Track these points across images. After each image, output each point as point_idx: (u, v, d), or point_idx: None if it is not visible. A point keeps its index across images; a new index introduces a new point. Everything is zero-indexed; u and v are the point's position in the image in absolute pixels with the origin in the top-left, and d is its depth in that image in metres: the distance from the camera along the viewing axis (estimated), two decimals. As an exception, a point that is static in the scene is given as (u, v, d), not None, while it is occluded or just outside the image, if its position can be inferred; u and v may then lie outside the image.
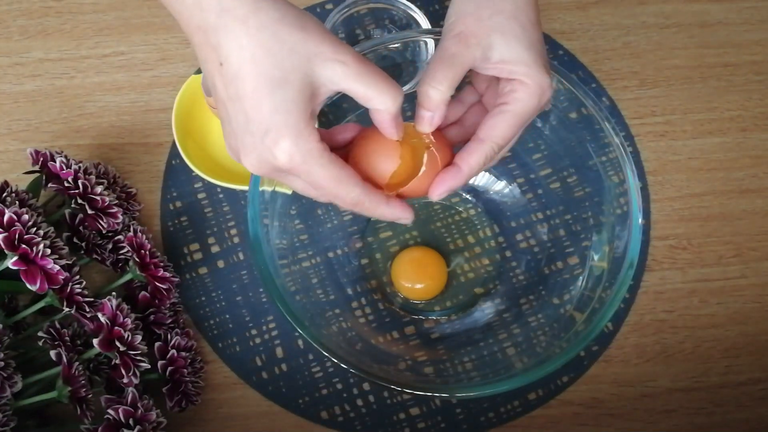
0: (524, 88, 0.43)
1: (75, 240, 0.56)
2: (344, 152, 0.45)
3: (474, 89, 0.49)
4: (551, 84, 0.44)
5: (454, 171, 0.44)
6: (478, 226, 0.62)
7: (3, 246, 0.48)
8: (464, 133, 0.47)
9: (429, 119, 0.43)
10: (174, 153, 0.64)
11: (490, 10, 0.42)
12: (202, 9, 0.36)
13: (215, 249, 0.62)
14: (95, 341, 0.49)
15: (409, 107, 0.61)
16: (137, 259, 0.55)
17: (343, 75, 0.37)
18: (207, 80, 0.40)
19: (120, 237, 0.57)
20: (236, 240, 0.62)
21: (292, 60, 0.36)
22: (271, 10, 0.36)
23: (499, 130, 0.43)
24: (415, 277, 0.60)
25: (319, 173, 0.39)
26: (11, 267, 0.48)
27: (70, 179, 0.54)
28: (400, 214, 0.43)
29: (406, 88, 0.60)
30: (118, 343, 0.49)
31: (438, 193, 0.44)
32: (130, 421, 0.49)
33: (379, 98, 0.39)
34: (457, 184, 0.44)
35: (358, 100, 0.39)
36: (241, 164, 0.41)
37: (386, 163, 0.43)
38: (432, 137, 0.44)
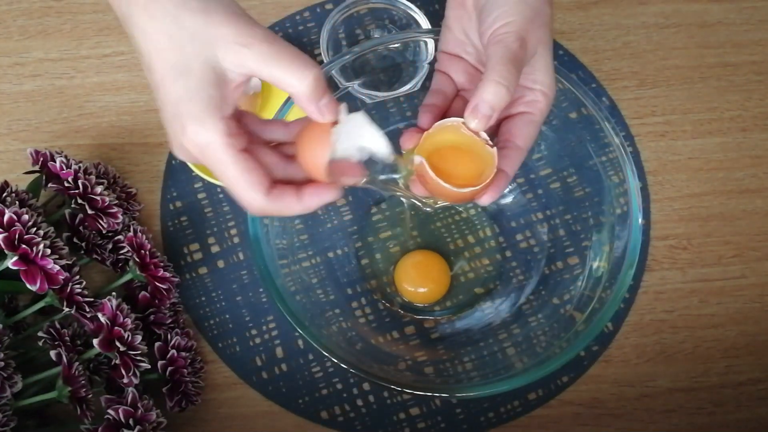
0: (545, 99, 0.45)
1: (75, 240, 0.56)
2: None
3: (447, 78, 0.49)
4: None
5: (504, 177, 0.45)
6: (478, 226, 0.62)
7: (3, 246, 0.48)
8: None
9: (487, 118, 0.42)
10: (174, 153, 0.64)
11: (540, 21, 0.43)
12: (121, 3, 0.36)
13: (215, 249, 0.62)
14: (95, 341, 0.49)
15: (408, 107, 0.61)
16: (137, 259, 0.55)
17: (246, 58, 0.36)
18: None
19: (120, 237, 0.57)
20: (236, 240, 0.62)
21: (193, 46, 0.35)
22: None
23: (531, 138, 0.46)
24: (419, 281, 0.60)
25: (221, 169, 0.38)
26: (11, 267, 0.48)
27: (70, 179, 0.54)
28: (318, 201, 0.40)
29: (406, 88, 0.60)
30: (118, 343, 0.49)
31: (493, 198, 0.45)
32: (130, 422, 0.49)
33: (287, 79, 0.37)
34: (505, 189, 0.47)
35: (271, 83, 0.38)
36: None
37: (319, 150, 0.40)
38: (483, 137, 0.43)
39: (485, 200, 0.45)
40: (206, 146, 0.37)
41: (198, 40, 0.35)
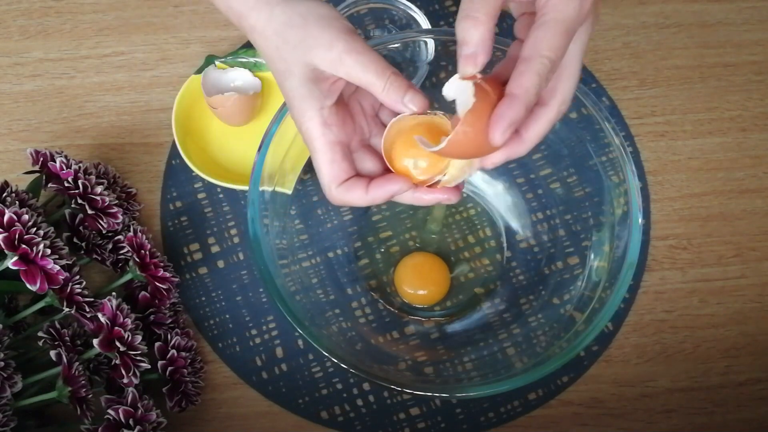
0: None
1: (75, 240, 0.56)
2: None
3: (522, 42, 0.43)
4: None
5: (508, 101, 0.38)
6: (478, 226, 0.62)
7: (3, 246, 0.48)
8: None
9: (472, 57, 0.39)
10: (174, 153, 0.64)
11: None
12: (239, 18, 0.44)
13: (215, 249, 0.62)
14: (95, 341, 0.49)
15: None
16: (137, 259, 0.55)
17: (337, 65, 0.41)
18: None
19: (120, 237, 0.57)
20: (236, 240, 0.62)
21: (295, 54, 0.42)
22: (280, 15, 0.42)
23: (544, 41, 0.38)
24: (419, 283, 0.60)
25: (312, 153, 0.43)
26: (11, 267, 0.48)
27: (70, 179, 0.54)
28: (383, 193, 0.43)
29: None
30: (118, 344, 0.49)
31: (501, 129, 0.38)
32: (130, 422, 0.49)
33: (370, 81, 0.41)
34: (517, 115, 0.38)
35: (358, 85, 0.42)
36: None
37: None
38: (485, 83, 0.39)
39: (493, 136, 0.38)
40: (306, 132, 0.43)
41: (298, 49, 0.42)
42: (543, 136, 0.42)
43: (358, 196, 0.43)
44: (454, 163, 0.43)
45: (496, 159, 0.43)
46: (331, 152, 0.42)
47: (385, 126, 0.45)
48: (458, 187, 0.44)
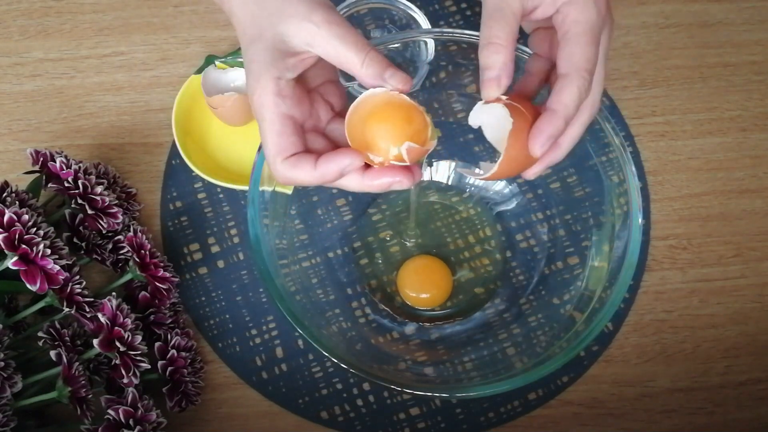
0: (574, 6, 0.40)
1: (75, 240, 0.56)
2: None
3: (539, 56, 0.46)
4: None
5: (548, 116, 0.39)
6: (478, 226, 0.62)
7: (3, 246, 0.48)
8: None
9: (496, 80, 0.40)
10: (174, 153, 0.64)
11: None
12: None
13: (215, 249, 0.62)
14: (95, 341, 0.49)
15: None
16: (137, 259, 0.55)
17: (313, 35, 0.40)
18: None
19: (120, 237, 0.57)
20: (236, 240, 0.62)
21: (270, 20, 0.41)
22: None
23: (577, 55, 0.40)
24: (421, 286, 0.60)
25: (259, 122, 0.41)
26: (11, 267, 0.48)
27: (70, 179, 0.54)
28: (335, 167, 0.40)
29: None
30: (118, 344, 0.49)
31: (540, 143, 0.40)
32: (131, 422, 0.49)
33: (348, 56, 0.40)
34: (557, 129, 0.40)
35: (333, 61, 0.41)
36: None
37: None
38: (515, 102, 0.40)
39: (533, 149, 0.40)
40: (257, 99, 0.41)
41: (274, 16, 0.41)
42: (577, 140, 0.42)
43: (305, 172, 0.40)
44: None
45: (536, 170, 0.44)
46: (281, 124, 0.41)
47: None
48: (410, 168, 0.41)
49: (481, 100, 0.42)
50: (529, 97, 0.45)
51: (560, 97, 0.40)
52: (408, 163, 0.41)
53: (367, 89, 0.41)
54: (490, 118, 0.42)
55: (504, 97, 0.41)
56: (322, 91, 0.44)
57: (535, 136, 0.40)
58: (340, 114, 0.44)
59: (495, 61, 0.40)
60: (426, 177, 0.63)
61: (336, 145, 0.43)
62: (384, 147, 0.40)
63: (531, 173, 0.44)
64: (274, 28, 0.40)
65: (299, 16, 0.40)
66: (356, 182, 0.41)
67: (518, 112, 0.40)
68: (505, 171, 0.42)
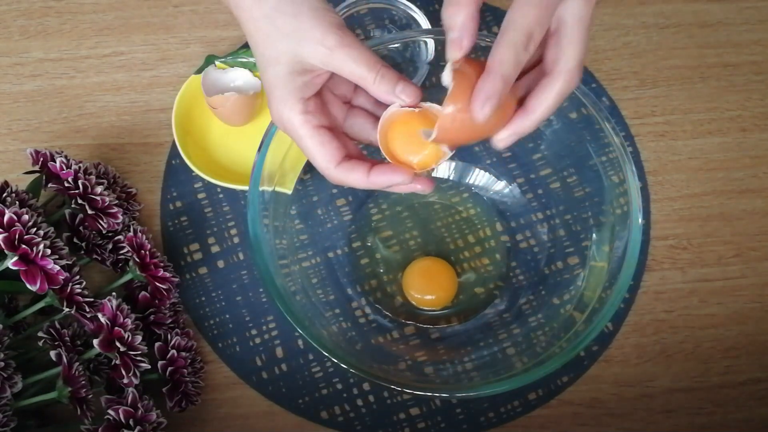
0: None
1: (75, 240, 0.56)
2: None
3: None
4: None
5: (484, 75, 0.39)
6: (478, 226, 0.62)
7: (3, 246, 0.48)
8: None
9: (458, 41, 0.40)
10: (174, 153, 0.64)
11: None
12: (231, 6, 0.44)
13: (215, 249, 0.62)
14: (95, 342, 0.49)
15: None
16: (137, 259, 0.55)
17: (328, 58, 0.42)
18: None
19: (120, 237, 0.57)
20: (236, 240, 0.62)
21: (285, 43, 0.42)
22: (270, 1, 0.42)
23: (518, 12, 0.39)
24: (427, 287, 0.60)
25: (299, 141, 0.44)
26: (11, 267, 0.48)
27: (70, 179, 0.54)
28: (385, 180, 0.44)
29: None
30: (118, 344, 0.49)
31: (479, 104, 0.39)
32: (131, 422, 0.49)
33: (361, 74, 0.42)
34: (493, 87, 0.39)
35: (346, 78, 0.43)
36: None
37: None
38: (467, 66, 0.40)
39: (499, 144, 0.42)
40: (288, 121, 0.43)
41: (289, 38, 0.42)
42: (551, 108, 0.41)
43: (358, 177, 0.44)
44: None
45: (502, 136, 0.42)
46: (319, 135, 0.43)
47: (359, 110, 0.47)
48: (430, 180, 0.45)
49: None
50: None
51: (494, 54, 0.39)
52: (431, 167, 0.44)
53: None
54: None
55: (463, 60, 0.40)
56: (330, 86, 0.46)
57: (474, 98, 0.39)
58: (353, 105, 0.47)
59: (455, 21, 0.40)
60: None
61: (354, 139, 0.47)
62: (410, 162, 0.44)
63: (498, 140, 0.43)
64: (291, 50, 0.42)
65: (314, 41, 0.41)
66: (384, 183, 0.44)
67: (462, 75, 0.40)
68: (452, 135, 0.42)
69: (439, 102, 0.43)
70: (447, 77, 0.41)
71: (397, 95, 0.43)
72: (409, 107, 0.43)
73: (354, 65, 0.42)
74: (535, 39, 0.40)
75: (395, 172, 0.44)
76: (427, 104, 0.43)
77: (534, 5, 0.39)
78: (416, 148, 0.44)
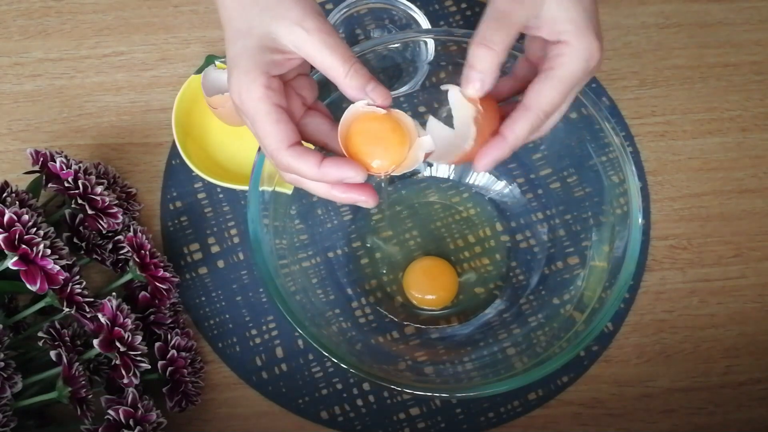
0: (570, 51, 0.41)
1: (75, 240, 0.56)
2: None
3: (529, 61, 0.46)
4: (600, 47, 0.42)
5: (498, 142, 0.42)
6: (478, 226, 0.62)
7: (3, 246, 0.48)
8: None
9: (479, 82, 0.41)
10: (174, 153, 0.64)
11: None
12: None
13: (215, 249, 0.62)
14: (95, 342, 0.49)
15: (408, 107, 0.61)
16: (137, 259, 0.55)
17: (303, 41, 0.41)
18: None
19: (120, 237, 0.57)
20: (236, 240, 0.62)
21: (261, 17, 0.41)
22: None
23: (545, 96, 0.42)
24: (428, 288, 0.60)
25: (252, 115, 0.41)
26: (11, 267, 0.48)
27: (70, 179, 0.54)
28: (338, 174, 0.41)
29: (405, 88, 0.60)
30: (118, 344, 0.49)
31: (483, 164, 0.42)
32: (131, 422, 0.49)
33: (333, 66, 0.41)
34: (503, 155, 0.42)
35: (318, 67, 0.41)
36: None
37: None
38: (480, 106, 0.41)
39: (477, 166, 0.42)
40: (246, 93, 0.41)
41: (265, 13, 0.41)
42: (526, 138, 0.43)
43: (309, 166, 0.41)
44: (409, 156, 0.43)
45: (481, 165, 0.43)
46: (276, 113, 0.41)
47: (317, 111, 0.45)
48: (375, 193, 0.43)
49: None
50: (501, 98, 0.46)
51: (514, 127, 0.42)
52: (392, 173, 0.43)
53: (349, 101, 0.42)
54: (459, 111, 0.43)
55: (477, 105, 0.42)
56: (294, 85, 0.44)
57: (482, 157, 0.42)
58: (312, 107, 0.45)
59: (485, 63, 0.41)
60: (426, 174, 0.63)
61: (308, 139, 0.44)
62: (367, 161, 0.42)
63: (480, 169, 0.44)
64: (265, 25, 0.41)
65: (291, 20, 0.40)
66: (323, 191, 0.43)
67: (480, 127, 0.42)
68: (452, 160, 0.44)
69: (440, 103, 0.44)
70: (452, 98, 0.42)
71: (368, 93, 0.41)
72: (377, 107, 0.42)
73: (328, 53, 0.40)
74: (549, 116, 0.43)
75: (350, 166, 0.41)
76: (394, 110, 0.43)
77: (563, 91, 0.42)
78: (378, 150, 0.42)
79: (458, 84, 0.42)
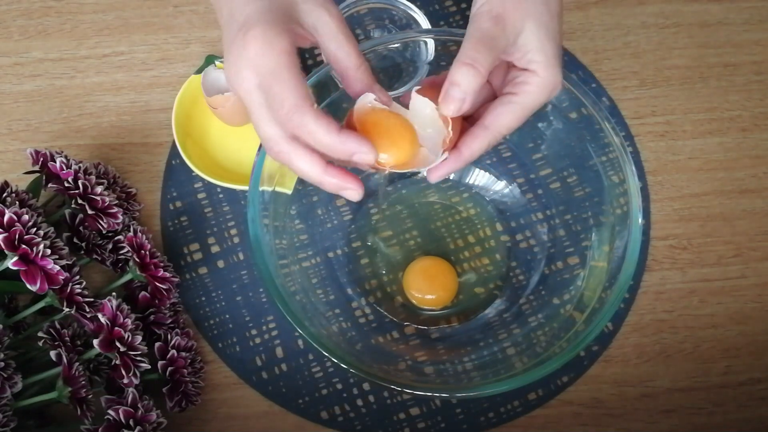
0: (537, 81, 0.43)
1: (75, 240, 0.56)
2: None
3: (488, 84, 0.47)
4: (561, 80, 0.44)
5: (455, 156, 0.44)
6: (478, 226, 0.62)
7: (3, 246, 0.48)
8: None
9: (459, 101, 0.41)
10: (174, 153, 0.64)
11: None
12: None
13: (215, 249, 0.62)
14: (95, 342, 0.49)
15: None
16: (137, 259, 0.55)
17: (324, 23, 0.40)
18: None
19: (120, 237, 0.57)
20: (236, 240, 0.62)
21: None
22: None
23: (505, 120, 0.43)
24: (428, 287, 0.60)
25: (277, 72, 0.38)
26: (11, 267, 0.48)
27: (70, 179, 0.54)
28: (364, 148, 0.40)
29: (405, 88, 0.60)
30: (118, 344, 0.49)
31: (437, 176, 0.45)
32: (131, 422, 0.49)
33: (344, 57, 0.41)
34: (456, 167, 0.44)
35: (327, 54, 0.41)
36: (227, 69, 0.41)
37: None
38: (450, 120, 0.42)
39: (431, 177, 0.45)
40: (269, 45, 0.38)
41: None
42: (479, 154, 0.44)
43: (329, 129, 0.38)
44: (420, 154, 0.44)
45: (440, 173, 0.45)
46: (300, 71, 0.39)
47: None
48: (362, 185, 0.42)
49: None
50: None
51: (471, 145, 0.43)
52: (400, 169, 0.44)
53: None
54: (424, 116, 0.43)
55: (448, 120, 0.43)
56: None
57: (436, 170, 0.44)
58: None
59: (468, 84, 0.41)
60: (426, 174, 0.63)
61: None
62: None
63: (435, 177, 0.46)
64: (290, 2, 0.40)
65: (316, 2, 0.40)
66: (316, 176, 0.41)
67: (454, 126, 0.43)
68: (411, 165, 0.44)
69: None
70: (418, 102, 0.43)
71: (375, 90, 0.42)
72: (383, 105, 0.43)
73: (345, 41, 0.41)
74: (503, 137, 0.45)
75: (367, 141, 0.39)
76: (397, 106, 0.44)
77: (521, 118, 0.44)
78: (388, 144, 0.42)
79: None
